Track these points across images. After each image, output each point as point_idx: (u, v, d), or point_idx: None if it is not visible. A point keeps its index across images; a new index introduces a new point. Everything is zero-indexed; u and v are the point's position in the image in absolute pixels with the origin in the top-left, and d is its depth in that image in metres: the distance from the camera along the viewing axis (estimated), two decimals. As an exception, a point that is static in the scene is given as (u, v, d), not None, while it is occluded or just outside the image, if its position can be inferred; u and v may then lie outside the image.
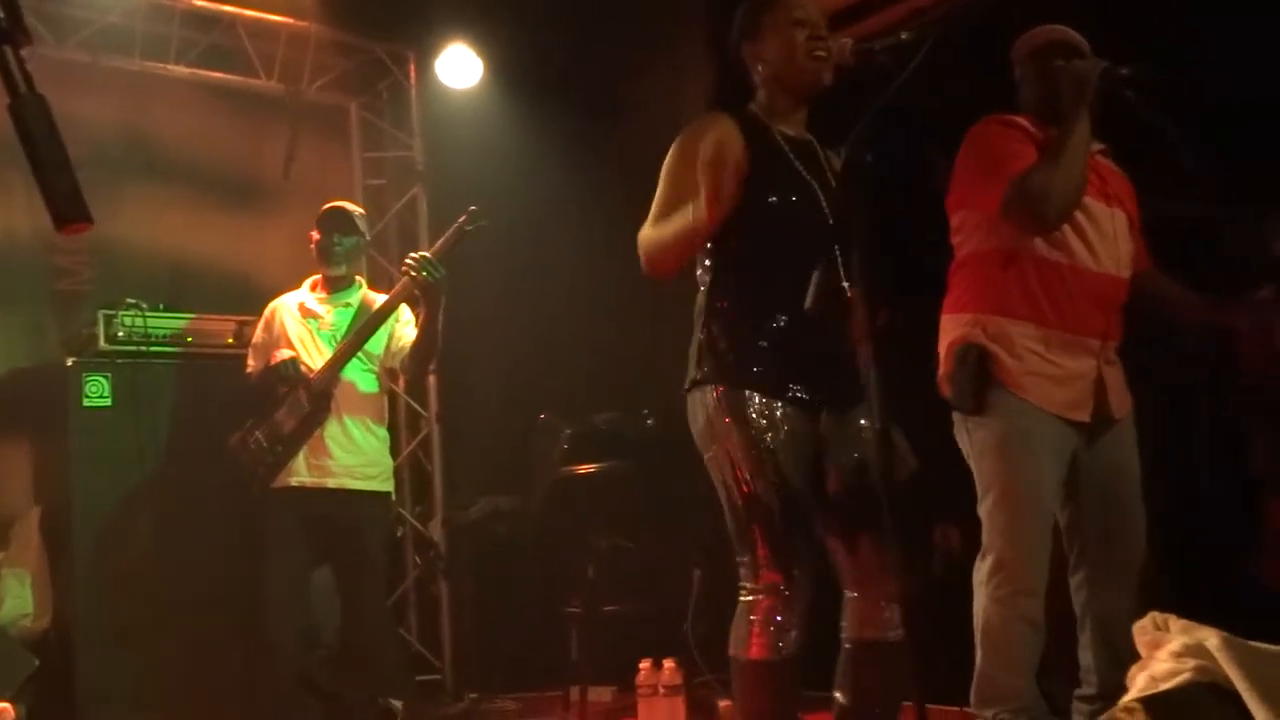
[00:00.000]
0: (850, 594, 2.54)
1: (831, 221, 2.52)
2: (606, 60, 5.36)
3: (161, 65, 5.28)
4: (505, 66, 5.68)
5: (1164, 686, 1.61)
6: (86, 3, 4.95)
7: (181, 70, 5.34)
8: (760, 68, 2.63)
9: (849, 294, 2.44)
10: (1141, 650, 1.75)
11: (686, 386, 2.57)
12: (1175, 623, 1.71)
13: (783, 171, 2.54)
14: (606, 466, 4.75)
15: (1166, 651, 1.65)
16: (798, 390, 2.47)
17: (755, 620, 2.43)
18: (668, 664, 4.12)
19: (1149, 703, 1.62)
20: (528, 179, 5.40)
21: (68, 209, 1.49)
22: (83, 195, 1.51)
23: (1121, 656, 2.42)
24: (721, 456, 2.48)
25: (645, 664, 4.19)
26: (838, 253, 2.45)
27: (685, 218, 2.40)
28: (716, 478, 2.50)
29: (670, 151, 2.57)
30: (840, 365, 2.50)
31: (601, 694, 4.64)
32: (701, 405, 2.52)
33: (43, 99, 1.49)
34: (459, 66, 5.68)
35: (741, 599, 2.48)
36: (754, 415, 2.44)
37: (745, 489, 2.44)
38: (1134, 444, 2.84)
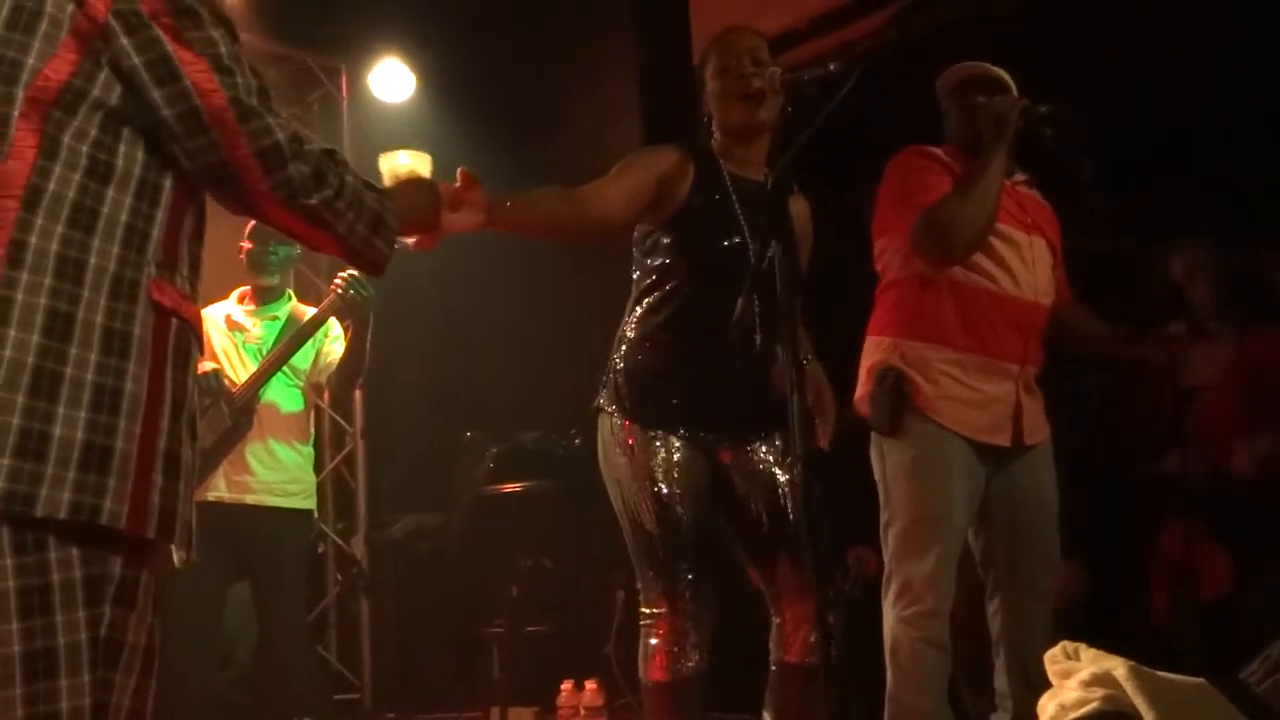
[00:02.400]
0: (775, 618, 2.64)
1: (755, 266, 2.56)
2: (539, 74, 5.37)
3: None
4: (438, 80, 5.67)
5: (1072, 716, 1.65)
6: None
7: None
8: (707, 114, 2.74)
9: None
10: (1053, 678, 1.79)
11: (592, 410, 2.68)
12: (1086, 651, 1.75)
13: (720, 212, 2.62)
14: (531, 485, 4.74)
15: (1076, 680, 1.69)
16: (694, 427, 2.59)
17: (654, 644, 2.56)
18: (589, 685, 4.12)
19: (1058, 731, 1.66)
20: (456, 194, 5.37)
21: None
22: None
23: (1034, 683, 2.49)
24: (614, 486, 2.62)
25: (567, 685, 4.18)
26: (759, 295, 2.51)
27: (570, 204, 2.48)
28: (615, 504, 2.63)
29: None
30: (747, 400, 2.60)
31: (523, 715, 4.62)
32: (600, 432, 2.65)
33: None
34: (392, 79, 5.66)
35: (641, 623, 2.60)
36: (646, 448, 2.56)
37: (632, 519, 2.57)
38: (1050, 471, 2.90)
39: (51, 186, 1.44)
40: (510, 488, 4.76)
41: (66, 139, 1.45)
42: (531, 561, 4.71)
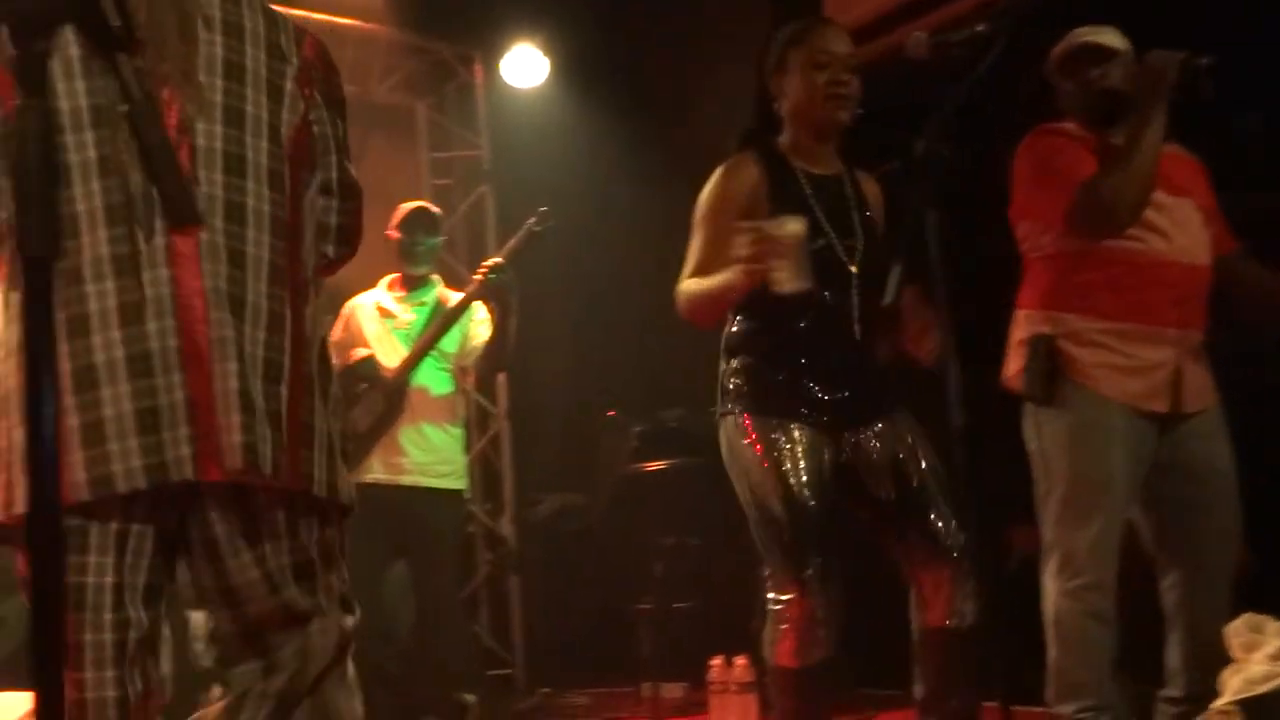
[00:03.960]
0: (912, 587, 2.63)
1: (847, 262, 2.65)
2: (672, 56, 5.36)
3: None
4: (570, 65, 5.71)
5: (1260, 689, 1.59)
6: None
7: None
8: (784, 103, 2.73)
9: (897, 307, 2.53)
10: (1235, 652, 1.73)
11: (716, 416, 2.72)
12: (1271, 625, 1.68)
13: (800, 215, 2.60)
14: (674, 464, 4.76)
15: (1263, 654, 1.62)
16: (812, 411, 2.60)
17: (782, 628, 2.56)
18: (739, 660, 4.12)
19: (1245, 705, 1.60)
20: (593, 176, 5.41)
21: (181, 212, 1.55)
22: (194, 198, 1.56)
23: (1211, 659, 2.42)
24: (741, 479, 2.63)
25: (716, 661, 4.19)
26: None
27: (726, 277, 2.52)
28: (741, 497, 2.65)
29: (703, 198, 2.70)
30: (857, 384, 2.63)
31: (673, 690, 4.65)
32: (723, 437, 2.69)
33: (157, 106, 1.55)
34: (525, 66, 5.72)
35: (769, 607, 2.60)
36: (768, 437, 2.58)
37: (760, 507, 2.58)
38: (1222, 438, 2.79)
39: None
40: (653, 466, 4.79)
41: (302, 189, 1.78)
42: (675, 539, 4.74)
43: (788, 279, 2.42)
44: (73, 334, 1.54)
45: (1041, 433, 2.77)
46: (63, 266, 1.53)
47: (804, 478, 2.54)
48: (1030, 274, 2.88)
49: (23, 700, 2.77)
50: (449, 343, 4.16)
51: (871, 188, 2.82)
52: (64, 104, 1.56)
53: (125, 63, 1.54)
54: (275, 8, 1.81)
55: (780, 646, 2.56)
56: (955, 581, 2.54)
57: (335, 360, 4.23)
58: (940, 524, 2.58)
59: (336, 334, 4.32)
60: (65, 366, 1.52)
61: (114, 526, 1.57)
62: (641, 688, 4.69)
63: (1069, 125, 2.86)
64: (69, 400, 1.52)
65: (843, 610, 2.58)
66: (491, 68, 5.92)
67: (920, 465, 2.62)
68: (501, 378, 5.77)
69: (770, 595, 2.60)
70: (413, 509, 4.09)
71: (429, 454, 4.12)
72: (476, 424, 5.83)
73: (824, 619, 2.53)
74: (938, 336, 2.62)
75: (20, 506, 1.56)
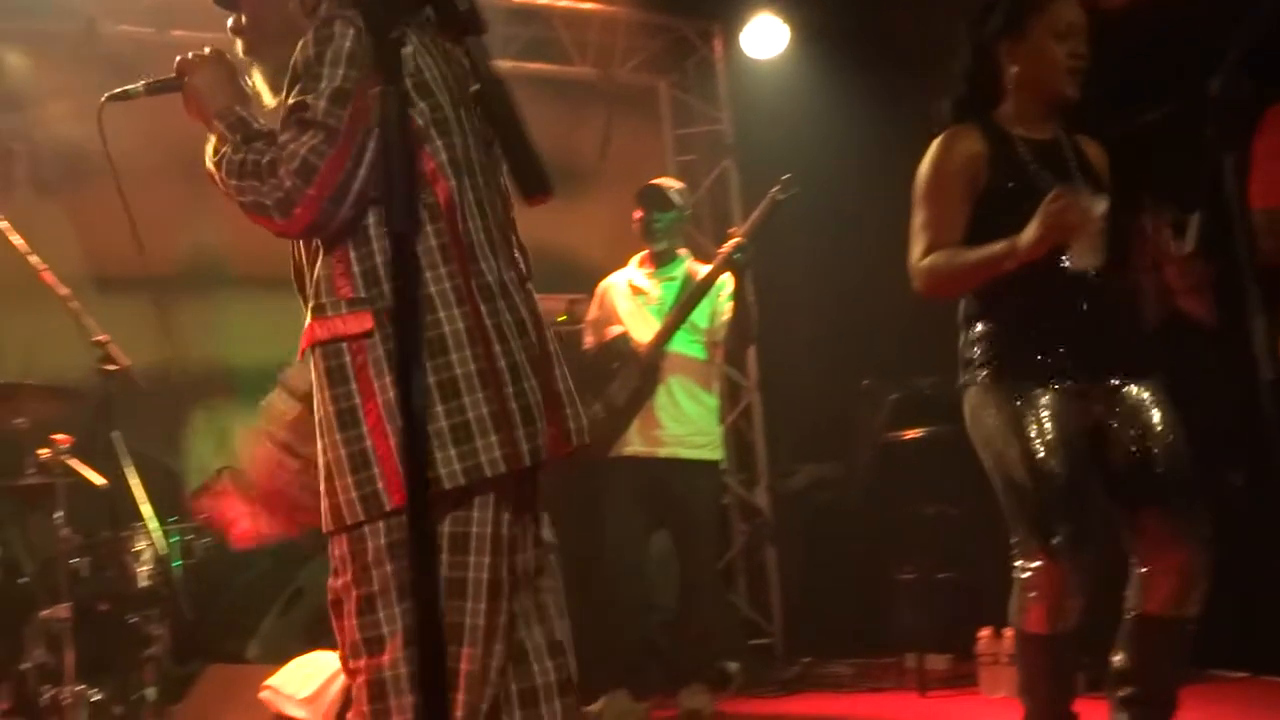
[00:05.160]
0: (1138, 566, 2.54)
1: None
2: (914, 16, 5.20)
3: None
4: (811, 31, 5.63)
5: None
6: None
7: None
8: (1013, 70, 2.64)
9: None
10: None
11: (958, 387, 2.68)
12: None
13: (1025, 187, 2.55)
14: (932, 431, 4.65)
15: None
16: (1057, 376, 2.51)
17: (1030, 595, 2.50)
18: (1008, 632, 4.00)
19: None
20: (840, 143, 5.33)
21: (532, 182, 1.61)
22: (546, 170, 1.64)
23: None
24: (986, 448, 2.58)
25: (985, 632, 4.09)
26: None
27: (1003, 246, 2.48)
28: (986, 465, 2.60)
29: (923, 172, 2.66)
30: (1114, 344, 2.54)
31: (937, 661, 4.57)
32: (966, 408, 2.64)
33: (505, 84, 1.63)
34: (765, 36, 5.69)
35: (1017, 575, 2.54)
36: (1012, 404, 2.51)
37: (1005, 475, 2.53)
38: None
39: None
40: (910, 434, 4.70)
41: None
42: (935, 508, 4.64)
43: (1081, 254, 2.40)
44: (501, 339, 1.78)
45: None
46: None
47: (1049, 445, 2.47)
48: None
49: (331, 659, 3.02)
50: (699, 316, 4.22)
51: (1093, 150, 2.74)
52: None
53: (475, 43, 1.64)
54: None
55: (1029, 614, 2.50)
56: (1188, 572, 2.46)
57: (591, 338, 4.41)
58: (1185, 510, 2.49)
59: (592, 313, 4.45)
60: (499, 364, 1.77)
61: (493, 497, 1.78)
62: (905, 658, 4.63)
63: None
64: (488, 393, 1.75)
65: (1096, 578, 2.48)
66: (732, 40, 5.91)
67: (1167, 441, 2.51)
68: (751, 349, 5.79)
69: (1018, 563, 2.54)
70: (671, 480, 4.18)
71: (685, 426, 4.19)
72: (727, 396, 5.87)
73: (1074, 588, 2.45)
74: (1211, 294, 2.51)
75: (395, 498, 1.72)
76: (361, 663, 1.74)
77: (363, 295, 1.74)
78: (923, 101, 4.93)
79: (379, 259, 1.75)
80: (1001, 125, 2.65)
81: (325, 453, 1.76)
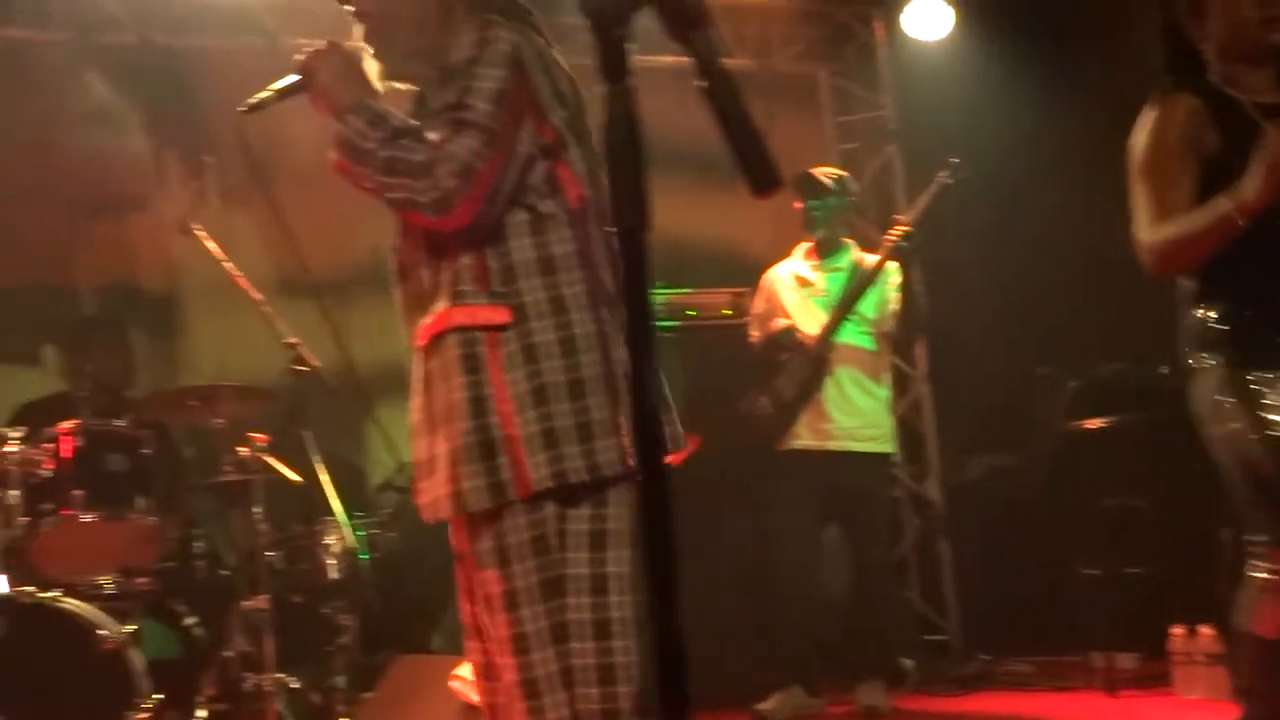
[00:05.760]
0: None
1: None
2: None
3: (650, 57, 5.60)
4: (976, 11, 5.47)
5: None
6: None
7: (666, 60, 5.61)
8: (1209, 46, 2.49)
9: None
10: None
11: (1183, 368, 2.50)
12: None
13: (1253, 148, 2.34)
14: (1115, 421, 4.46)
15: None
16: None
17: (1266, 597, 2.34)
18: (1204, 630, 3.81)
19: None
20: (1006, 124, 5.17)
21: (763, 177, 1.61)
22: (775, 164, 1.63)
23: None
24: (1224, 439, 2.39)
25: (1179, 630, 3.91)
26: None
27: (1214, 210, 2.32)
28: (1221, 457, 2.41)
29: (1139, 145, 2.48)
30: None
31: (1125, 660, 4.38)
32: (1197, 391, 2.45)
33: (731, 78, 1.64)
34: (927, 18, 5.54)
35: (1251, 574, 2.37)
36: (1253, 390, 2.34)
37: (1245, 467, 2.35)
38: None
39: None
40: (1092, 424, 4.52)
41: None
42: (1119, 501, 4.45)
43: None
44: (616, 345, 1.82)
45: None
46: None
47: None
48: None
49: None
50: (867, 306, 4.15)
51: None
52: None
53: (700, 39, 1.65)
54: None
55: (1263, 615, 2.34)
56: None
57: (756, 331, 4.38)
58: None
59: (759, 306, 4.41)
60: (616, 370, 1.81)
61: (625, 493, 1.84)
62: (1091, 657, 4.45)
63: None
64: (611, 396, 1.80)
65: None
66: (892, 24, 5.78)
67: None
68: (920, 339, 5.66)
69: (1254, 563, 2.37)
70: (841, 473, 4.12)
71: (855, 418, 4.13)
72: (896, 387, 5.75)
73: None
74: None
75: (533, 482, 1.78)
76: (510, 660, 1.78)
77: (501, 289, 1.78)
78: (1095, 77, 4.76)
79: (515, 257, 1.80)
80: (1222, 89, 2.47)
81: (449, 440, 1.79)
